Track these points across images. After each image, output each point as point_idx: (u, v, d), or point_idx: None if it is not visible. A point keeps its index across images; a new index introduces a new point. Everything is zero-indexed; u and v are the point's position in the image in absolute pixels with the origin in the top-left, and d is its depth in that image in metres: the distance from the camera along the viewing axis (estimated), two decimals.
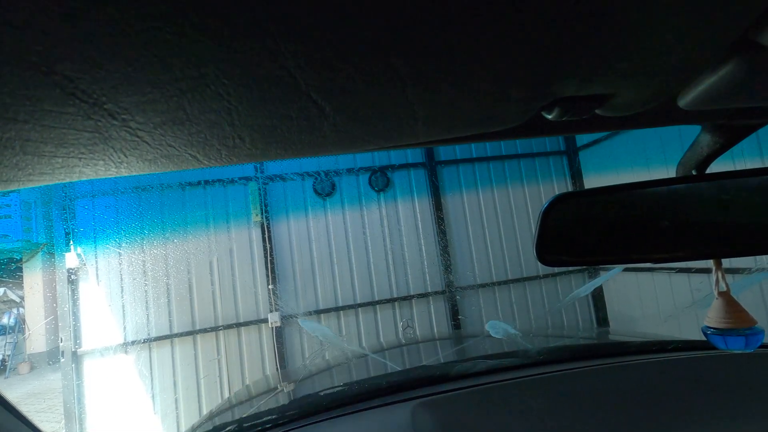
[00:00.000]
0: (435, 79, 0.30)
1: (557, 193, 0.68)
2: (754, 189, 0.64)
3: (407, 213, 5.23)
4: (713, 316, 0.70)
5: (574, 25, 0.28)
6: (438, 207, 5.29)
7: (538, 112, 0.44)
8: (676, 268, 4.38)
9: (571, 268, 5.44)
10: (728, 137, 0.68)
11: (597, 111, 0.47)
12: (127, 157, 0.33)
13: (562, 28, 0.28)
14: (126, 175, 0.37)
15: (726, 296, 0.70)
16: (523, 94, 0.36)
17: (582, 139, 5.75)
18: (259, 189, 4.80)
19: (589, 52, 0.32)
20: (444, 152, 5.47)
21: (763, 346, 1.12)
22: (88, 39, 0.21)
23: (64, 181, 0.35)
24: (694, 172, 0.76)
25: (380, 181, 5.17)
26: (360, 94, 0.31)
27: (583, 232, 0.70)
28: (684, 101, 0.46)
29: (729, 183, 0.64)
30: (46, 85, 0.24)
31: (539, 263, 0.70)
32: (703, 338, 0.71)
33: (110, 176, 0.36)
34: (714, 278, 0.72)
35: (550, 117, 0.45)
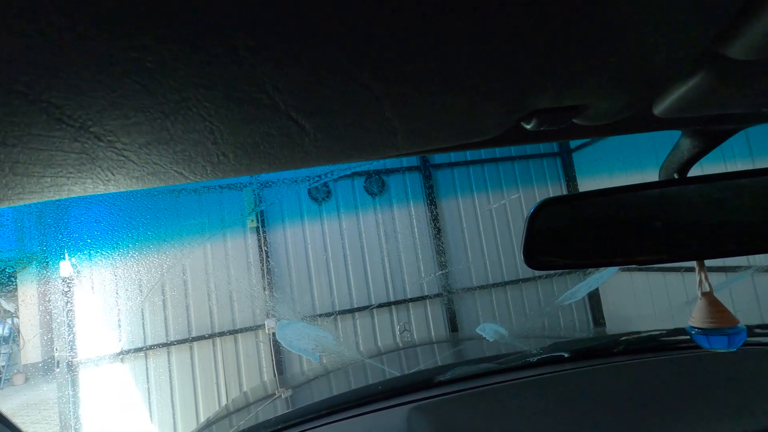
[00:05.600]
0: (410, 96, 0.32)
1: (547, 196, 0.70)
2: (735, 191, 0.66)
3: (403, 217, 5.24)
4: (697, 316, 0.72)
5: (544, 41, 0.29)
6: (433, 210, 5.30)
7: (516, 122, 0.45)
8: (667, 267, 4.41)
9: (566, 270, 5.45)
10: (707, 142, 0.70)
11: (575, 120, 0.48)
12: (114, 175, 0.34)
13: (531, 44, 0.29)
14: (114, 191, 0.38)
15: (709, 296, 0.72)
16: (499, 108, 0.37)
17: (575, 141, 5.79)
18: (255, 195, 4.80)
19: (560, 67, 0.33)
20: (438, 156, 5.49)
21: (747, 344, 1.14)
22: (73, 69, 0.22)
23: (53, 199, 0.36)
24: (676, 176, 0.78)
25: (375, 185, 5.19)
26: (338, 112, 0.32)
27: (568, 236, 0.72)
28: (659, 109, 0.48)
29: (710, 186, 0.66)
30: (33, 111, 0.25)
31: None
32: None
33: (99, 193, 0.37)
34: (697, 279, 0.73)
35: (528, 127, 0.46)
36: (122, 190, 0.38)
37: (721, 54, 0.35)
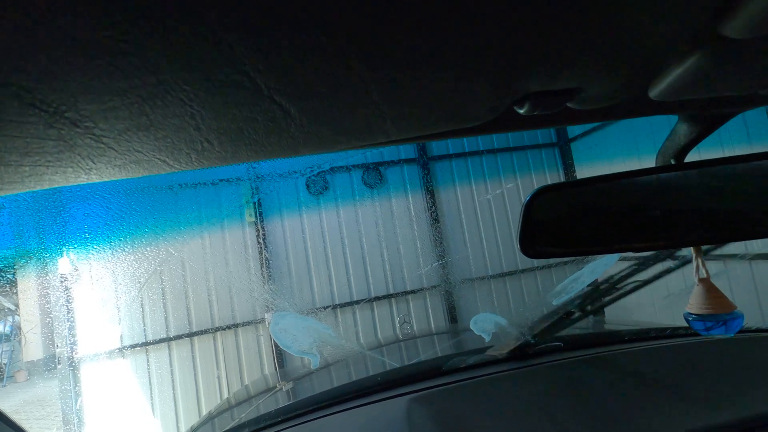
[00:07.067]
0: (397, 79, 0.31)
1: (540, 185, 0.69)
2: (732, 177, 0.65)
3: (401, 209, 5.24)
4: (694, 302, 0.71)
5: (534, 22, 0.28)
6: (432, 202, 5.29)
7: (509, 107, 0.44)
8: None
9: (565, 260, 5.49)
10: (704, 126, 0.70)
11: (569, 104, 0.47)
12: (95, 163, 0.33)
13: (521, 26, 0.28)
14: (98, 181, 0.37)
15: (706, 283, 0.72)
16: (490, 91, 0.37)
17: (574, 130, 5.77)
18: (252, 189, 4.79)
19: (552, 47, 0.32)
20: (436, 147, 5.47)
21: (744, 330, 1.14)
22: (41, 51, 0.22)
23: (35, 189, 0.35)
24: (673, 162, 0.77)
25: (373, 177, 5.17)
26: (323, 96, 0.31)
27: (565, 224, 0.71)
28: (654, 93, 0.47)
29: (707, 171, 0.65)
30: (3, 96, 0.24)
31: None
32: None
33: (82, 183, 0.36)
34: (694, 265, 0.73)
35: (522, 112, 0.45)
36: (106, 179, 0.37)
37: (717, 33, 0.34)
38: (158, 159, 0.35)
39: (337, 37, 0.25)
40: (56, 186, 0.35)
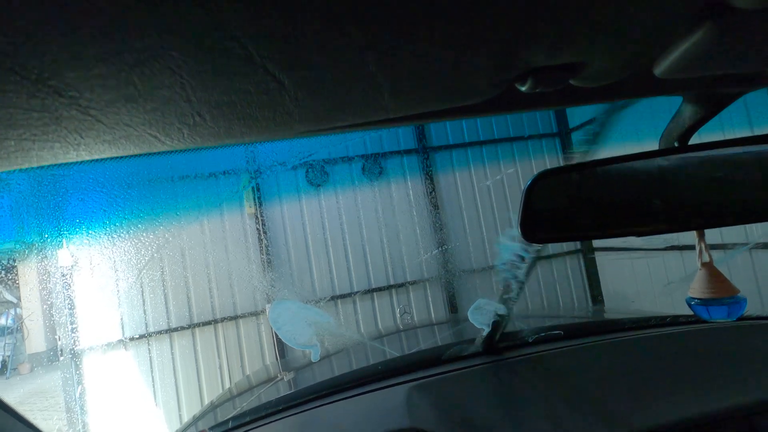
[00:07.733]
0: (394, 47, 0.29)
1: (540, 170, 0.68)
2: (736, 158, 0.64)
3: (401, 200, 5.23)
4: (697, 286, 0.71)
5: None
6: (432, 193, 5.29)
7: (511, 84, 0.43)
8: (665, 247, 4.42)
9: (564, 251, 5.52)
10: (709, 107, 0.68)
11: (572, 82, 0.46)
12: (83, 138, 0.32)
13: None
14: (88, 158, 0.36)
15: (709, 267, 0.71)
16: (490, 63, 0.35)
17: (574, 120, 5.74)
18: (252, 179, 4.78)
19: (553, 18, 0.31)
20: (437, 138, 5.45)
21: (746, 318, 1.14)
22: (18, 10, 0.20)
23: (23, 167, 0.34)
24: (676, 144, 0.76)
25: (373, 168, 5.15)
26: (318, 65, 0.30)
27: (567, 208, 0.70)
28: (660, 70, 0.45)
29: (712, 154, 0.64)
30: None
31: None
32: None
33: (72, 160, 0.35)
34: (697, 249, 0.72)
35: (523, 89, 0.44)
36: (96, 156, 0.36)
37: (726, 4, 0.33)
38: (149, 134, 0.34)
39: (334, 1, 0.24)
40: (45, 163, 0.34)
